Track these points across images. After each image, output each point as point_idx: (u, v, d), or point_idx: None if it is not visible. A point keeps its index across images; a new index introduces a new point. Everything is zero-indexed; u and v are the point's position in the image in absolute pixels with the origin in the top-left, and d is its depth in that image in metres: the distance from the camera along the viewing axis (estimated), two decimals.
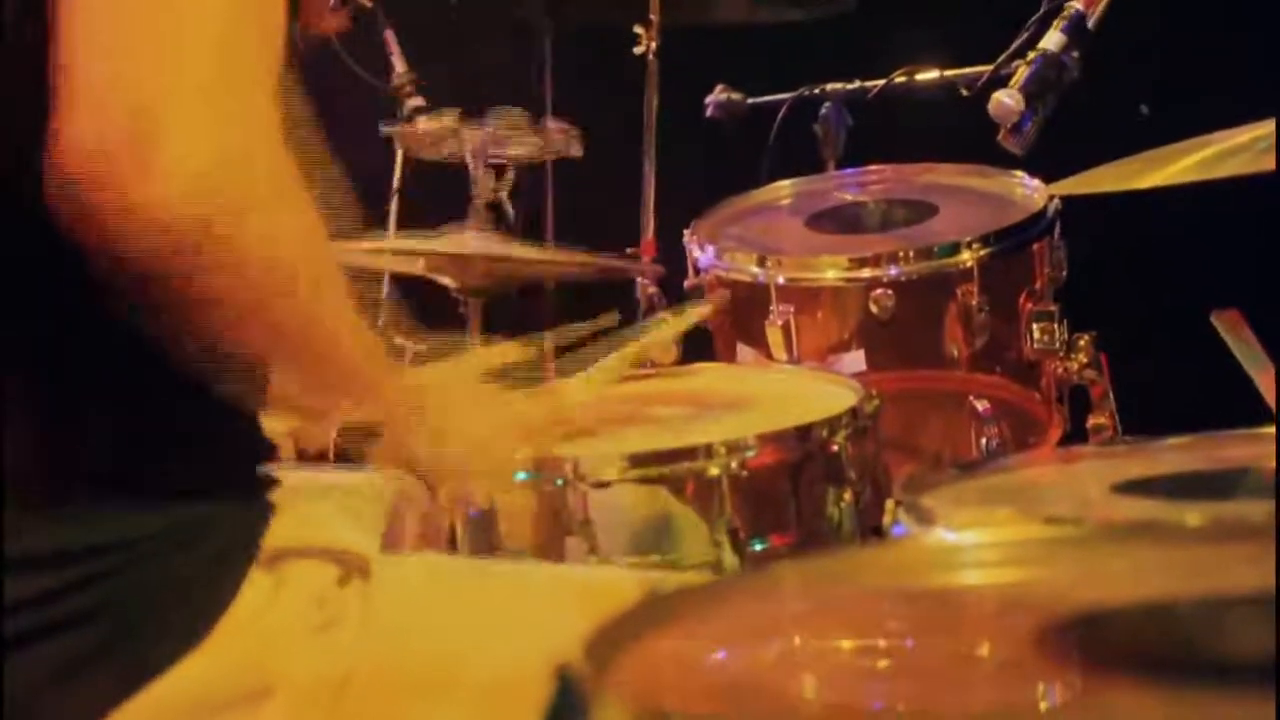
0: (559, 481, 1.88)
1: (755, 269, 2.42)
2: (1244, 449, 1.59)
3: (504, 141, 2.81)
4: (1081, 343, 2.44)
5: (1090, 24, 2.40)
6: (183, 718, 1.27)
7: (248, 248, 1.23)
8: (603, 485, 1.88)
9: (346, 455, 2.18)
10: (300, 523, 1.37)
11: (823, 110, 2.87)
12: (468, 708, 1.35)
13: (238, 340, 1.29)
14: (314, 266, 1.30)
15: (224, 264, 1.22)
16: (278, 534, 1.35)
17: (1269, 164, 1.78)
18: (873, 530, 1.86)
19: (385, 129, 2.89)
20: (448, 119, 2.82)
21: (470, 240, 2.62)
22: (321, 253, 1.32)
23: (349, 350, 1.38)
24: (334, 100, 1.36)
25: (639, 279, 2.68)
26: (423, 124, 2.85)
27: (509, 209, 2.85)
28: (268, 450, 1.43)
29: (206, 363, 1.32)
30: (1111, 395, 2.46)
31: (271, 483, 1.39)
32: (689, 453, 1.90)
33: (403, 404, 1.47)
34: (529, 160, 2.91)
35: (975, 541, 1.02)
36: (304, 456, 1.99)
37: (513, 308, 2.74)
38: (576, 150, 2.86)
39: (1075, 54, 2.39)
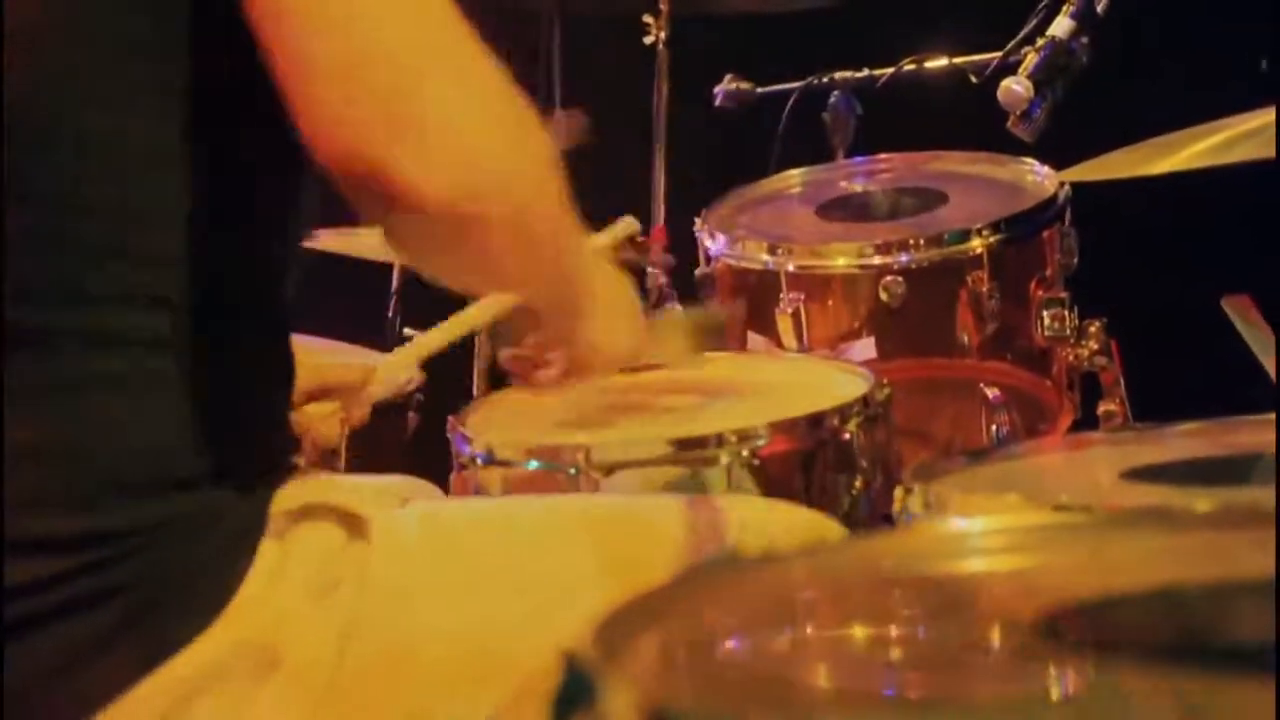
0: (571, 470, 1.88)
1: (765, 257, 2.42)
2: (1254, 435, 1.59)
3: None
4: (1092, 329, 2.44)
5: (1099, 9, 2.40)
6: (192, 691, 1.28)
7: (517, 206, 1.26)
8: (614, 473, 1.88)
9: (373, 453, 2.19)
10: (305, 485, 1.38)
11: (832, 99, 2.87)
12: (475, 667, 1.35)
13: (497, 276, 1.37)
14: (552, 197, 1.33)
15: (492, 225, 1.26)
16: (284, 497, 1.35)
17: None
18: (884, 518, 1.86)
19: None
20: None
21: None
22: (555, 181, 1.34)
23: (575, 263, 1.44)
24: None
25: (649, 268, 2.69)
26: None
27: None
28: (289, 441, 1.44)
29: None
30: (1122, 381, 2.46)
31: (291, 470, 1.40)
32: (700, 441, 1.90)
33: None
34: None
35: (984, 529, 1.02)
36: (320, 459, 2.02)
37: None
38: (583, 139, 2.86)
39: (1084, 40, 2.39)
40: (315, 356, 1.93)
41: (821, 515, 1.68)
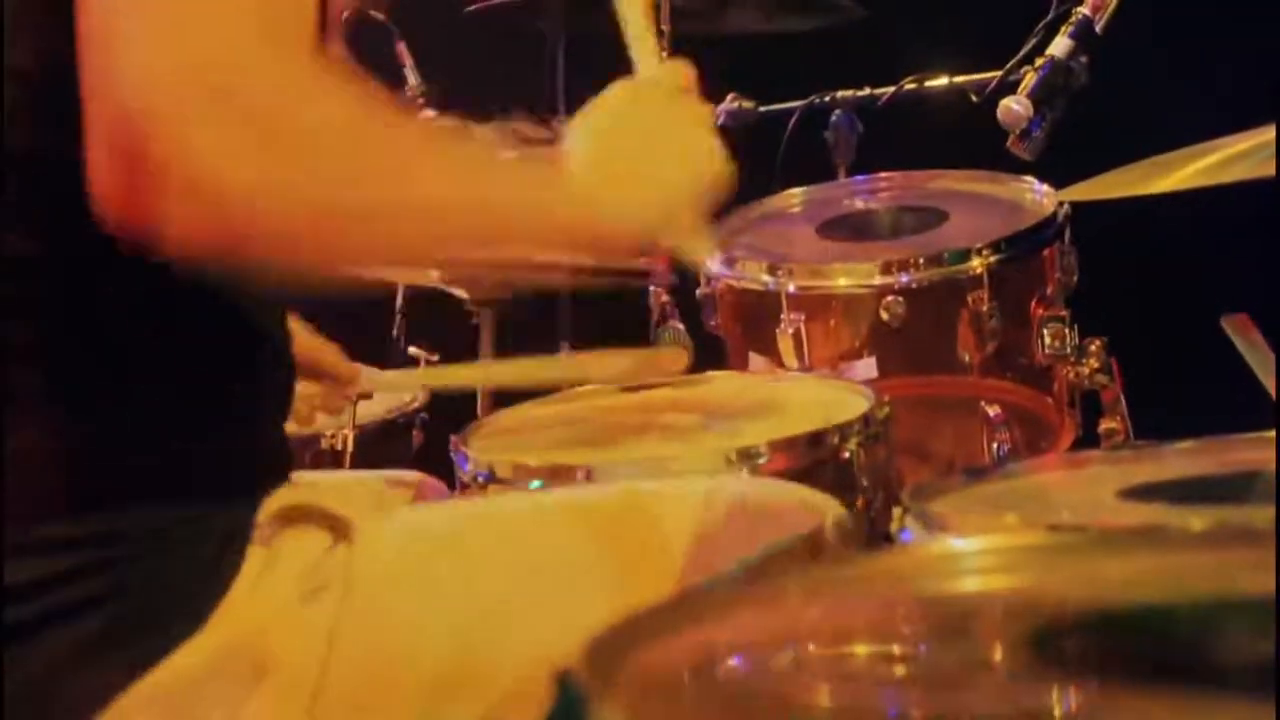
0: None
1: (766, 277, 2.43)
2: (1253, 453, 1.59)
3: (510, 144, 2.81)
4: (1092, 347, 2.44)
5: (1098, 28, 2.40)
6: (182, 697, 1.28)
7: (306, 177, 1.19)
8: None
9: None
10: (291, 489, 1.38)
11: (833, 118, 2.88)
12: (459, 671, 1.35)
13: (339, 257, 1.25)
14: (386, 148, 1.25)
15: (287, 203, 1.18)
16: (270, 501, 1.36)
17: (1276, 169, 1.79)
18: (884, 537, 1.87)
19: None
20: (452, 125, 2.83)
21: None
22: (386, 132, 1.26)
23: (486, 197, 1.30)
24: None
25: (651, 287, 2.69)
26: None
27: None
28: (283, 451, 1.44)
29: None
30: (1123, 399, 2.46)
31: (287, 479, 1.40)
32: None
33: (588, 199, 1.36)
34: None
35: (980, 548, 1.02)
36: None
37: (525, 318, 2.75)
38: None
39: (1083, 59, 2.40)
40: (315, 340, 1.93)
41: (819, 494, 1.67)
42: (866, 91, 2.88)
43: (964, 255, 2.37)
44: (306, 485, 1.42)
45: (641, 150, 1.43)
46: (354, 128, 1.23)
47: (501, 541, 1.46)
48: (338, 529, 1.38)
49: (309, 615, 1.33)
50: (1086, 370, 2.44)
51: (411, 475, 1.92)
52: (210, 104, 1.15)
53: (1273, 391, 1.82)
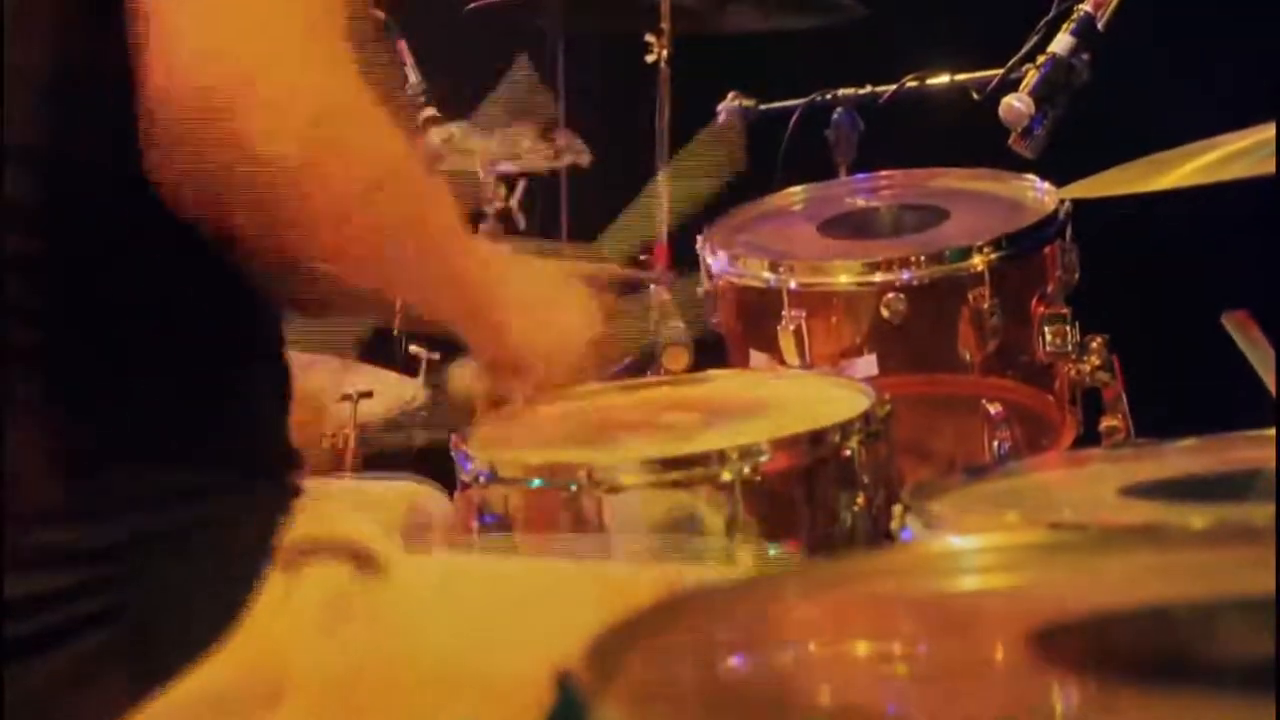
0: (573, 486, 1.89)
1: (767, 274, 2.43)
2: (1254, 450, 1.59)
3: (513, 152, 2.82)
4: (1094, 345, 2.44)
5: (1100, 26, 2.40)
6: (195, 718, 1.28)
7: (350, 173, 1.28)
8: (616, 490, 1.89)
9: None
10: (316, 518, 1.38)
11: (834, 116, 2.88)
12: (479, 707, 1.35)
13: (349, 264, 1.34)
14: (405, 180, 1.36)
15: (331, 193, 1.28)
16: (294, 530, 1.36)
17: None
18: (885, 535, 1.87)
19: None
20: (456, 131, 2.84)
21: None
22: (414, 168, 1.38)
23: (459, 257, 1.44)
24: None
25: (652, 285, 2.69)
26: (433, 135, 2.86)
27: (520, 218, 2.87)
28: (290, 454, 1.44)
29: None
30: (1124, 397, 2.46)
31: (295, 488, 1.40)
32: (702, 458, 1.90)
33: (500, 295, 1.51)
34: (540, 171, 2.92)
35: (980, 546, 1.02)
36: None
37: None
38: (584, 162, 2.88)
39: (1085, 56, 2.40)
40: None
41: None
42: (867, 89, 2.88)
43: (965, 253, 2.37)
44: (320, 505, 1.42)
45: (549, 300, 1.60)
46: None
47: (534, 599, 1.46)
48: (360, 559, 1.38)
49: (333, 646, 1.33)
50: (1088, 368, 2.44)
51: (411, 489, 1.91)
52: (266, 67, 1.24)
53: (1273, 389, 1.82)
